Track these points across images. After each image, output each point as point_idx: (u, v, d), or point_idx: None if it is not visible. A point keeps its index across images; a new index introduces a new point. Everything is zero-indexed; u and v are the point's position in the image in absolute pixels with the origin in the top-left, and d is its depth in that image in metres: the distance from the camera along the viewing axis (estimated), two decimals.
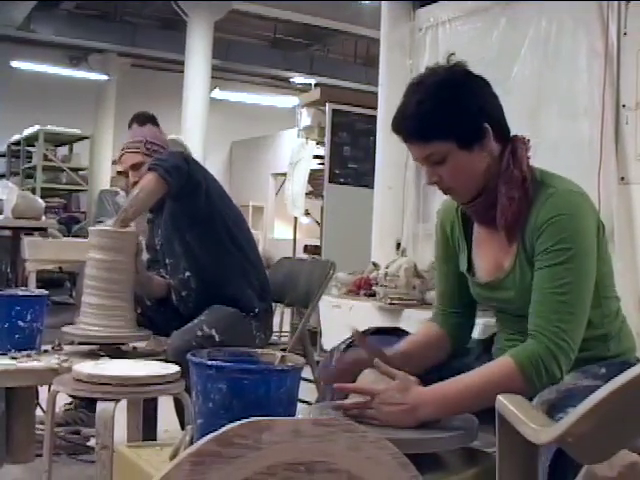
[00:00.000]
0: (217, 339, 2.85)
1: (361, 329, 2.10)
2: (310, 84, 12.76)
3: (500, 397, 1.41)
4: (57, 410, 3.05)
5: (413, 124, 1.80)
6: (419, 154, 1.83)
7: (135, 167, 3.16)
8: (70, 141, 11.31)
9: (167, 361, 2.69)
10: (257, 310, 3.12)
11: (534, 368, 1.67)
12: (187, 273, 3.12)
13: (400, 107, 1.85)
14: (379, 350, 1.83)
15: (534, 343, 1.70)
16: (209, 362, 1.62)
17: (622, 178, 3.55)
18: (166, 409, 2.99)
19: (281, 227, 14.16)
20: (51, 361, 2.60)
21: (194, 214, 3.07)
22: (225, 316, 2.99)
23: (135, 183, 3.12)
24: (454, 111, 1.78)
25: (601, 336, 1.84)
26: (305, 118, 7.30)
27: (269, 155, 14.84)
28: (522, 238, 1.82)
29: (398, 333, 2.16)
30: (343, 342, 2.07)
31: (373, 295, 4.28)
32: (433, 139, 1.78)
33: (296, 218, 7.84)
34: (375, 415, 1.68)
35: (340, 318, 4.25)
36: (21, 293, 2.89)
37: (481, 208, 1.88)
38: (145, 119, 3.30)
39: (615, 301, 1.93)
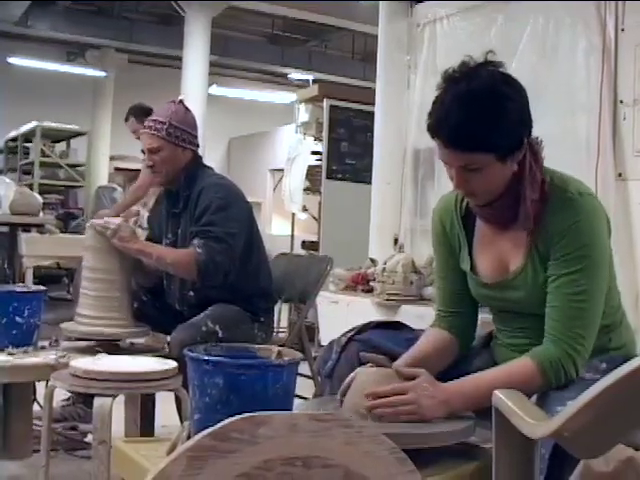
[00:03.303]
0: (220, 335, 2.84)
1: (360, 323, 2.11)
2: (308, 80, 12.76)
3: (497, 392, 1.41)
4: (54, 406, 3.05)
5: (456, 133, 1.73)
6: (456, 161, 1.78)
7: (152, 151, 3.04)
8: (68, 137, 11.28)
9: (170, 355, 2.69)
10: (260, 311, 3.13)
11: (554, 372, 1.71)
12: None
13: (440, 109, 1.77)
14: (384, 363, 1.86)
15: (554, 347, 1.73)
16: (206, 357, 1.62)
17: (619, 174, 3.56)
18: (164, 404, 2.99)
19: (279, 223, 14.16)
20: (48, 357, 2.60)
21: None
22: (229, 313, 2.98)
23: (151, 166, 3.08)
24: (500, 126, 1.73)
25: (603, 327, 1.85)
26: (303, 114, 7.29)
27: (267, 151, 14.83)
28: (535, 239, 1.83)
29: (399, 327, 2.16)
30: (343, 335, 2.07)
31: (371, 291, 4.29)
32: (475, 150, 1.74)
33: (294, 214, 7.85)
34: (414, 410, 1.68)
35: (337, 314, 4.25)
36: (18, 289, 2.89)
37: (498, 210, 1.87)
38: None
39: (616, 293, 1.95)
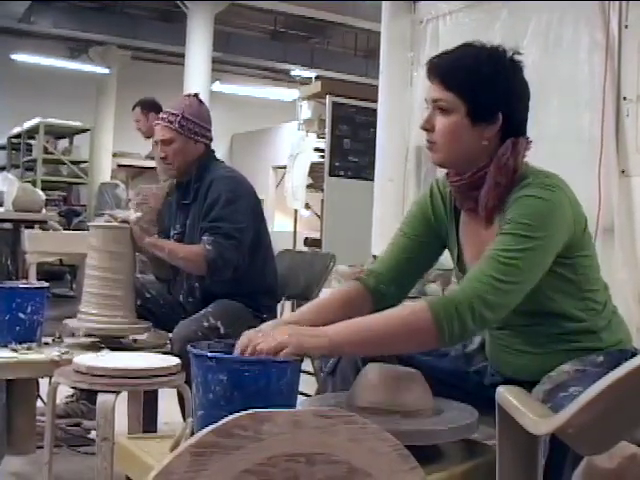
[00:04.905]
0: (222, 331, 2.86)
1: None
2: (310, 77, 12.74)
3: (500, 389, 1.41)
4: (58, 402, 3.05)
5: (446, 68, 1.83)
6: (433, 94, 1.84)
7: (165, 142, 3.11)
8: (70, 133, 11.29)
9: (171, 351, 2.70)
10: (263, 308, 3.14)
11: (447, 317, 1.62)
12: None
13: (446, 51, 1.90)
14: None
15: (457, 292, 1.68)
16: (209, 353, 1.62)
17: (623, 171, 3.54)
18: (166, 401, 2.99)
19: (281, 220, 14.13)
20: (52, 353, 2.61)
21: None
22: (231, 309, 2.99)
23: (163, 158, 3.13)
24: (484, 82, 1.80)
25: (588, 329, 1.84)
26: (305, 111, 7.29)
27: (269, 148, 14.81)
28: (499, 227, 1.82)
29: None
30: None
31: None
32: (452, 90, 1.80)
33: (296, 211, 7.85)
34: (284, 341, 1.59)
35: None
36: (22, 285, 2.90)
37: (465, 187, 1.87)
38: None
39: (602, 293, 1.92)
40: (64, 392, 3.41)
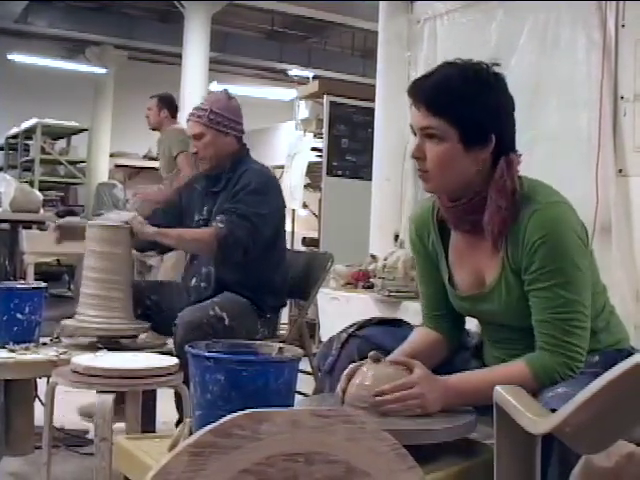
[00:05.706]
0: (227, 322, 2.86)
1: (361, 320, 2.11)
2: (308, 76, 12.73)
3: (498, 388, 1.41)
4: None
5: (432, 92, 1.75)
6: (420, 122, 1.77)
7: (196, 137, 3.19)
8: (68, 134, 11.28)
9: (173, 339, 2.70)
10: (267, 308, 3.14)
11: (549, 379, 1.70)
12: None
13: (426, 74, 1.82)
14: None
15: (549, 356, 1.72)
16: (207, 354, 1.63)
17: (620, 170, 3.54)
18: (165, 401, 2.99)
19: None
20: (50, 353, 2.61)
21: None
22: (236, 304, 3.01)
23: (196, 153, 3.21)
24: (471, 102, 1.74)
25: (591, 331, 1.84)
26: (303, 110, 7.29)
27: (267, 147, 14.73)
28: (507, 252, 1.80)
29: (400, 324, 2.16)
30: (344, 331, 2.07)
31: (371, 287, 4.28)
32: (441, 115, 1.73)
33: (294, 210, 7.83)
34: (420, 404, 1.68)
35: (338, 310, 4.25)
36: (19, 286, 2.90)
37: (461, 212, 1.84)
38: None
39: (601, 295, 1.92)
40: (62, 392, 3.41)
